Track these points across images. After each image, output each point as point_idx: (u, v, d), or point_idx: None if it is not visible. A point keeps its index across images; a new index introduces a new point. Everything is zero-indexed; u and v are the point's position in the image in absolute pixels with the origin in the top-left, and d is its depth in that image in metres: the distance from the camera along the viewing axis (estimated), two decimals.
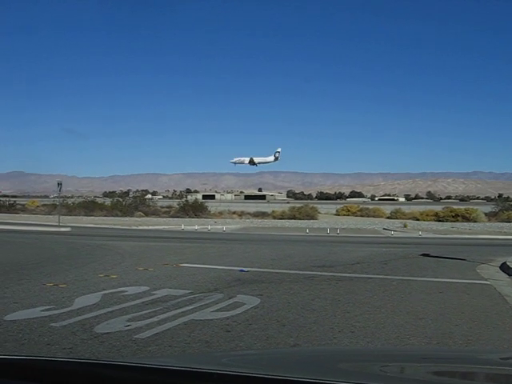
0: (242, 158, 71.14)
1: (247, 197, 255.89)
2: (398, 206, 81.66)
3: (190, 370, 1.78)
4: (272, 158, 70.28)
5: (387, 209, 76.24)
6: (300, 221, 59.34)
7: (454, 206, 74.55)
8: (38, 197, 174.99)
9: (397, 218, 65.43)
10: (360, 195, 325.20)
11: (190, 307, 9.51)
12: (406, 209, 76.56)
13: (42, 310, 9.01)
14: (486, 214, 65.79)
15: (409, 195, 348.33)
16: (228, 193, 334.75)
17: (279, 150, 71.39)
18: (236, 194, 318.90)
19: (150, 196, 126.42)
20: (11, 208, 73.16)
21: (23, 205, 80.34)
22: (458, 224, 55.11)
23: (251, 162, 66.85)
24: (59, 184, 45.48)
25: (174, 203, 76.82)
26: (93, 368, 1.78)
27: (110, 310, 9.16)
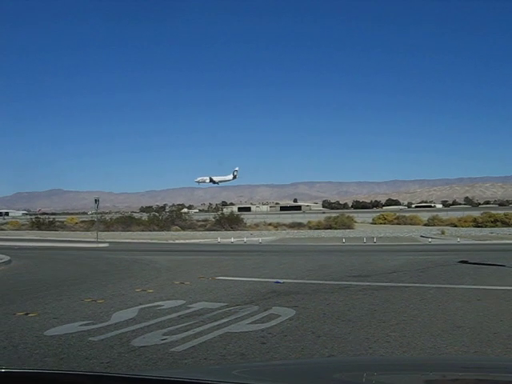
0: (204, 178, 74.36)
1: (283, 208, 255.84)
2: (435, 213, 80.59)
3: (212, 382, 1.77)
4: (231, 177, 73.35)
5: (424, 216, 75.37)
6: (336, 230, 59.11)
7: (493, 211, 73.25)
8: (76, 213, 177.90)
9: (434, 225, 64.59)
10: (396, 203, 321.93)
11: (226, 320, 9.56)
12: (444, 215, 75.63)
13: (81, 325, 9.18)
14: None
15: (446, 201, 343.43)
16: (263, 204, 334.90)
17: (237, 168, 74.41)
18: (271, 205, 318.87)
19: (186, 210, 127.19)
20: (51, 225, 74.53)
21: (62, 222, 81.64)
22: (497, 229, 54.13)
23: (211, 181, 69.68)
24: (96, 200, 46.13)
25: (210, 216, 77.13)
26: (126, 382, 1.78)
27: (146, 324, 9.27)
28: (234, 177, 71.23)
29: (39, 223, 75.82)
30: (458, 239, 39.30)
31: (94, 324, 9.28)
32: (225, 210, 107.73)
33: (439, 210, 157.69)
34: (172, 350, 7.44)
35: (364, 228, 64.10)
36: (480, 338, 8.14)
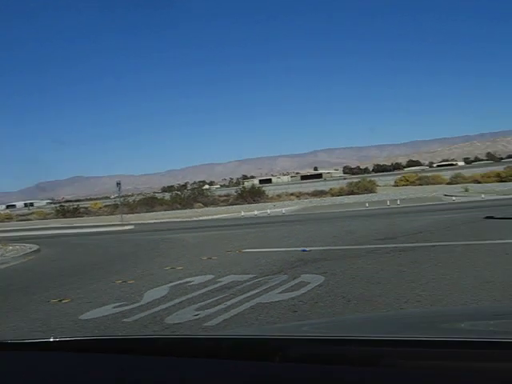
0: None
1: (303, 177, 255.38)
2: (457, 171, 79.88)
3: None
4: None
5: (446, 174, 74.64)
6: (359, 195, 58.83)
7: None
8: (99, 198, 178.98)
9: (457, 183, 63.93)
10: (417, 164, 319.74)
11: (256, 291, 9.65)
12: (466, 172, 74.76)
13: (114, 307, 9.32)
14: None
15: (468, 158, 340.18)
16: (284, 175, 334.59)
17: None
18: (292, 175, 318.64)
19: (207, 186, 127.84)
20: (76, 212, 75.13)
21: (86, 207, 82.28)
22: None
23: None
24: (118, 184, 46.61)
25: (232, 191, 77.35)
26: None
27: (178, 301, 9.39)
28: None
29: (64, 211, 76.45)
30: (483, 195, 38.86)
31: (126, 305, 9.42)
32: (246, 183, 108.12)
33: (461, 167, 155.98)
34: (205, 324, 7.54)
35: (386, 191, 63.76)
36: (511, 292, 8.13)
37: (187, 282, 11.28)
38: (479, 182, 61.87)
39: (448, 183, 68.65)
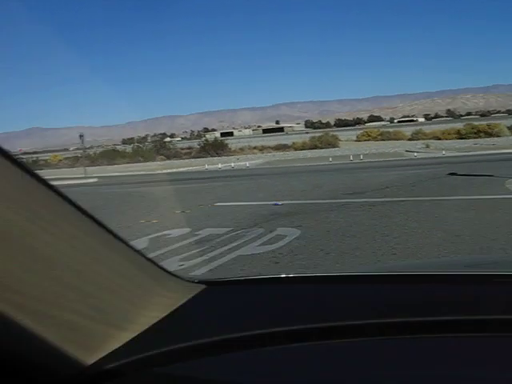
0: None
1: (265, 131, 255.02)
2: (418, 127, 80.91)
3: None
4: None
5: (407, 130, 75.60)
6: (322, 150, 59.29)
7: (476, 122, 73.77)
8: (58, 150, 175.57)
9: (418, 139, 64.86)
10: (379, 119, 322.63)
11: (235, 244, 9.92)
12: (427, 129, 75.80)
13: None
14: (508, 128, 64.97)
15: (428, 115, 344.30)
16: (245, 128, 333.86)
17: None
18: (254, 128, 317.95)
19: (168, 139, 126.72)
20: (35, 165, 73.78)
21: (46, 160, 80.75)
22: (480, 140, 54.61)
23: None
24: (81, 136, 46.03)
25: (194, 144, 76.99)
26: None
27: (160, 252, 9.58)
28: None
29: None
30: (443, 152, 39.62)
31: None
32: (208, 136, 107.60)
33: (422, 123, 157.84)
34: (192, 274, 7.79)
35: (349, 146, 64.36)
36: (480, 245, 8.58)
37: (165, 235, 11.47)
38: (439, 139, 62.87)
39: (409, 139, 69.54)
